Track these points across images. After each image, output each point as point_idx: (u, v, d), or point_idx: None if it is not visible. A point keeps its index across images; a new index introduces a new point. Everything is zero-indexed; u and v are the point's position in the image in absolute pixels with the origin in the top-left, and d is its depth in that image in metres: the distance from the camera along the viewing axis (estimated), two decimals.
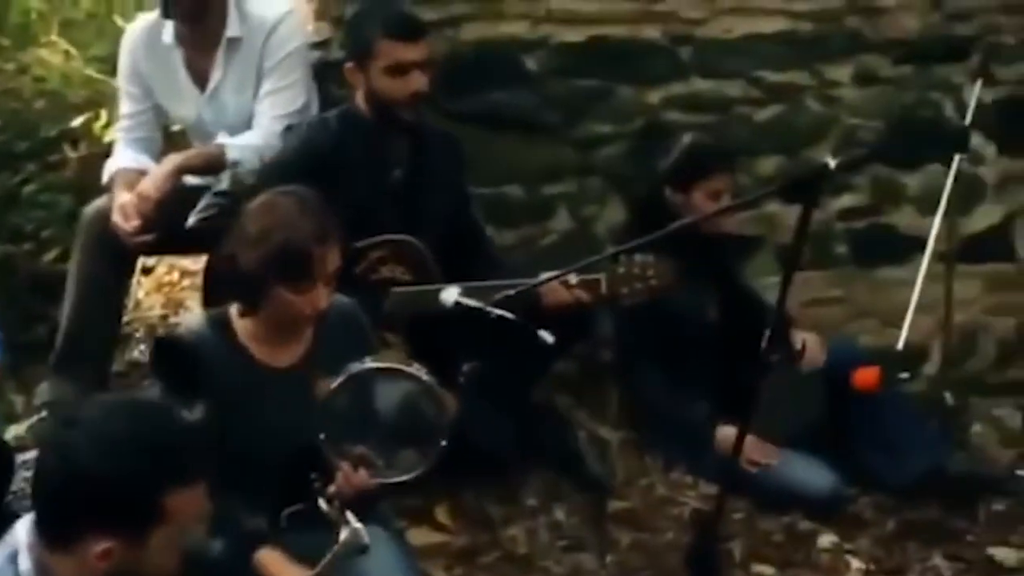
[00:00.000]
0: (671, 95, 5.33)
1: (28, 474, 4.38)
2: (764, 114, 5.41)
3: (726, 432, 4.40)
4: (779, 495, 4.49)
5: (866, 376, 4.56)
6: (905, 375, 4.87)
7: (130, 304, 5.21)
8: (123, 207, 4.54)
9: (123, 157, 4.88)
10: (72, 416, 2.58)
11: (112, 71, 5.96)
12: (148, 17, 4.95)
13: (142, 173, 4.72)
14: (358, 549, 2.99)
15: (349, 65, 4.45)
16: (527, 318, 4.08)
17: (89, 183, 5.60)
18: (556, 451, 4.53)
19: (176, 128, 5.27)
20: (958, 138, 5.05)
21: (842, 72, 5.45)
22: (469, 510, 4.32)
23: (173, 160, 4.72)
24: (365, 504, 3.28)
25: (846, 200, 5.44)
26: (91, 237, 4.68)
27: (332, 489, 3.23)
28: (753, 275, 5.19)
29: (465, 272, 4.33)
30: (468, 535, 4.24)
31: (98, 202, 4.76)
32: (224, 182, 4.31)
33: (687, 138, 4.90)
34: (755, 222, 5.33)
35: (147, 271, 5.60)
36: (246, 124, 4.78)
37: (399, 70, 4.36)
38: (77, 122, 5.82)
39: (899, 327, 4.94)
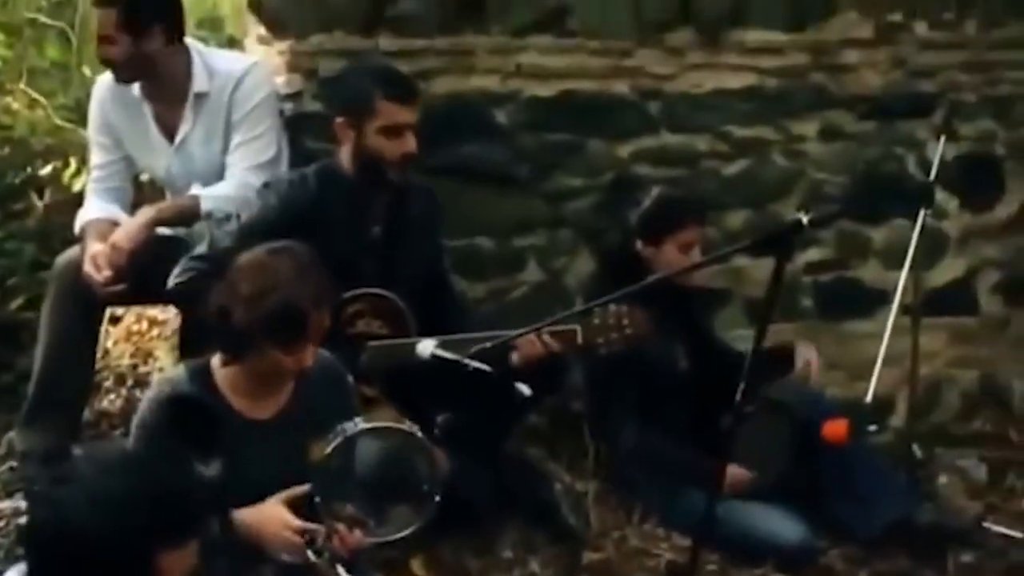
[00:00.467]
0: (640, 149, 5.39)
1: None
2: (732, 168, 5.49)
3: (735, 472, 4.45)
4: (751, 547, 4.51)
5: (835, 428, 4.59)
6: (874, 427, 4.92)
7: (99, 353, 5.18)
8: (95, 257, 4.54)
9: (94, 208, 4.88)
10: (66, 471, 2.59)
11: (79, 120, 6.00)
12: None
13: (114, 224, 4.73)
14: None
15: (340, 121, 4.44)
16: (502, 370, 4.12)
17: (54, 231, 5.63)
18: (531, 502, 4.54)
19: (145, 178, 5.29)
20: (924, 193, 5.13)
21: (808, 127, 5.54)
22: (445, 562, 4.31)
23: (147, 212, 4.72)
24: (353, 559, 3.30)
25: (812, 254, 5.52)
26: (63, 287, 4.68)
27: (321, 542, 3.24)
28: (721, 327, 5.27)
29: (436, 324, 4.36)
30: None
31: (69, 252, 4.76)
32: (202, 246, 4.30)
33: (656, 191, 4.93)
34: (722, 275, 5.38)
35: (115, 320, 5.60)
36: (215, 175, 4.79)
37: (395, 131, 4.37)
38: (45, 170, 5.84)
39: (865, 379, 4.98)
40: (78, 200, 5.49)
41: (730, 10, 5.39)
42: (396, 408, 3.65)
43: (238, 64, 4.86)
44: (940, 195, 5.36)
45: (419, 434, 3.46)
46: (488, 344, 4.21)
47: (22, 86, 6.29)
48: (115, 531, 2.44)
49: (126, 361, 5.53)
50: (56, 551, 2.49)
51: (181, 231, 4.73)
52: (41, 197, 5.84)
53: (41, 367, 4.70)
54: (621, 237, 4.93)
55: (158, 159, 4.91)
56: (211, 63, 4.80)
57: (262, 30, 5.24)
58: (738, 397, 3.74)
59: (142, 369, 5.47)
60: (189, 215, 4.66)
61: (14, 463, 4.80)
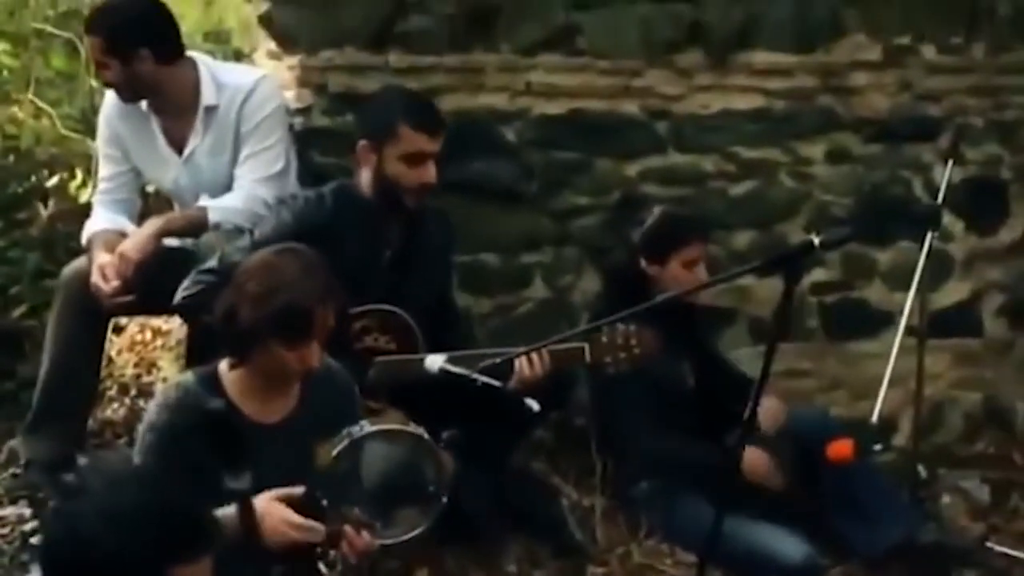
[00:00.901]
0: (648, 168, 5.40)
1: (3, 531, 4.43)
2: (738, 189, 5.50)
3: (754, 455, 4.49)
4: (755, 564, 4.50)
5: (840, 448, 4.60)
6: (879, 447, 4.93)
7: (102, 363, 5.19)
8: (102, 268, 4.55)
9: (102, 219, 4.89)
10: (80, 486, 2.59)
11: (84, 130, 6.01)
12: None
13: (121, 235, 4.74)
14: None
15: (363, 143, 4.44)
16: (510, 386, 4.14)
17: (58, 241, 5.64)
18: (536, 517, 4.55)
19: (151, 189, 5.29)
20: (931, 216, 5.14)
21: (815, 149, 5.55)
22: (449, 574, 4.32)
23: (155, 224, 4.73)
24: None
25: (819, 274, 5.54)
26: (69, 297, 4.69)
27: (333, 553, 3.24)
28: (726, 347, 5.29)
29: (436, 341, 4.37)
30: None
31: (76, 263, 4.78)
32: (212, 260, 4.30)
33: (659, 209, 4.96)
34: (727, 294, 5.40)
35: (119, 330, 5.61)
36: (222, 187, 4.81)
37: (416, 159, 4.39)
38: (52, 181, 5.84)
39: (869, 399, 4.99)
40: (82, 210, 5.52)
41: (739, 32, 5.40)
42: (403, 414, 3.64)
43: (247, 77, 4.87)
44: (946, 218, 5.37)
45: (425, 436, 3.47)
46: (497, 360, 4.22)
47: (29, 96, 6.28)
48: (128, 547, 2.45)
49: (130, 371, 5.54)
50: (70, 566, 2.49)
51: (188, 242, 4.74)
52: (45, 207, 5.84)
53: (46, 376, 4.71)
54: (626, 255, 4.94)
55: (166, 171, 4.92)
56: (219, 76, 4.82)
57: (272, 44, 5.25)
58: (746, 416, 3.76)
59: (145, 379, 5.49)
60: (197, 226, 4.67)
61: (16, 470, 4.80)
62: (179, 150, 4.86)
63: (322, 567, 3.21)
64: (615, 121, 5.37)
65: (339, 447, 3.38)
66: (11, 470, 4.82)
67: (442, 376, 4.17)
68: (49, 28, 6.65)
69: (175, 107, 4.82)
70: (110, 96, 4.94)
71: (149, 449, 3.46)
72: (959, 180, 5.48)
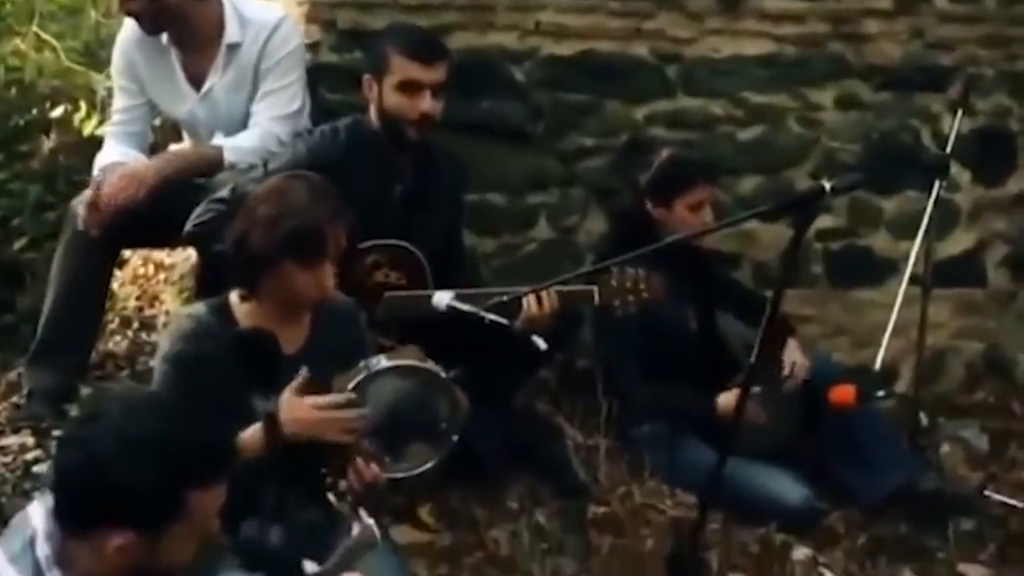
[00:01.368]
0: (656, 111, 5.40)
1: (6, 459, 4.43)
2: (747, 134, 5.50)
3: (727, 398, 4.53)
4: (754, 506, 4.53)
5: (843, 393, 4.61)
6: (881, 394, 4.94)
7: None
8: (110, 192, 4.53)
9: (114, 151, 4.87)
10: (95, 412, 2.60)
11: (88, 63, 5.99)
12: None
13: None
14: (369, 545, 3.00)
15: (367, 76, 4.47)
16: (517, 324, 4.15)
17: (59, 173, 5.63)
18: (540, 456, 4.56)
19: (157, 123, 5.27)
20: (939, 165, 5.15)
21: (824, 96, 5.55)
22: (452, 511, 4.34)
23: (168, 159, 4.75)
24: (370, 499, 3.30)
25: (824, 221, 5.53)
26: (77, 229, 4.67)
27: (344, 485, 3.25)
28: None
29: (446, 284, 4.35)
30: (452, 535, 4.26)
31: (85, 195, 4.75)
32: (224, 190, 4.29)
33: (665, 152, 4.95)
34: (732, 239, 5.40)
35: (121, 263, 5.60)
36: (239, 123, 4.79)
37: (410, 88, 4.38)
38: (56, 113, 5.81)
39: (870, 347, 5.02)
40: (85, 143, 5.51)
41: None
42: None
43: (271, 14, 4.84)
44: (953, 168, 5.37)
45: (442, 374, 3.47)
46: (504, 298, 4.22)
47: (33, 28, 6.25)
48: (144, 472, 2.46)
49: (132, 304, 5.54)
50: (84, 491, 2.50)
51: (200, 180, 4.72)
52: (48, 139, 5.82)
53: (52, 307, 4.70)
54: (632, 197, 4.94)
55: (182, 105, 4.90)
56: (244, 13, 4.79)
57: None
58: (752, 359, 3.77)
59: (148, 312, 5.48)
60: (212, 165, 4.65)
61: (17, 400, 4.80)
62: (197, 85, 4.84)
63: (332, 497, 3.20)
64: (624, 63, 5.36)
65: (357, 379, 3.38)
66: (12, 400, 4.82)
67: (449, 313, 4.17)
68: None
69: (197, 41, 4.79)
70: (128, 27, 4.90)
71: (165, 379, 3.47)
72: (968, 130, 5.49)
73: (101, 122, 5.58)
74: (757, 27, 5.44)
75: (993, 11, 5.63)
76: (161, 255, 5.65)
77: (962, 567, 4.58)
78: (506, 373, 4.36)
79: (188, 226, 4.22)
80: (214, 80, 4.79)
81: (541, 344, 4.06)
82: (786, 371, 4.75)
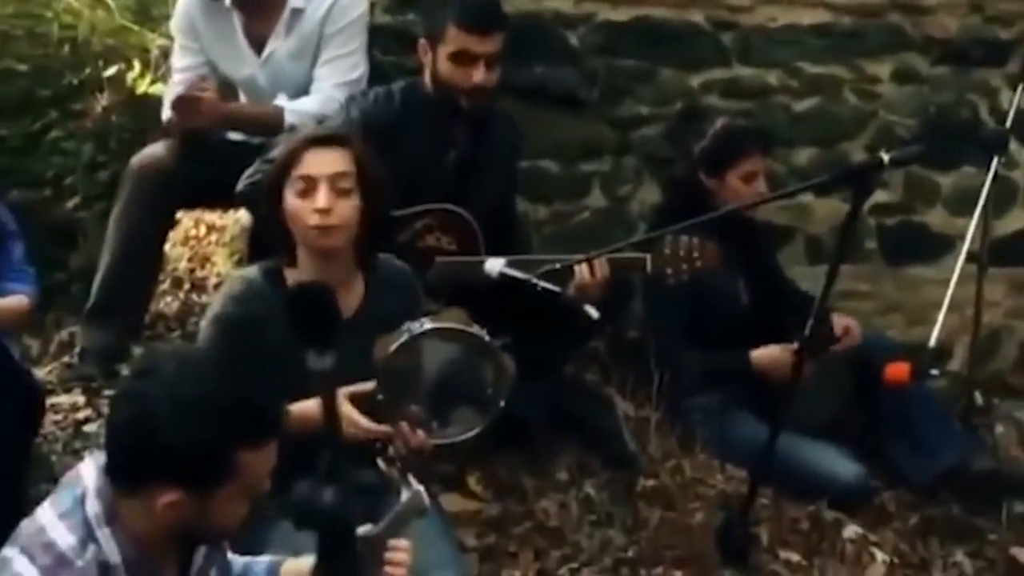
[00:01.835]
0: (712, 80, 5.37)
1: (57, 417, 4.44)
2: (802, 105, 5.46)
3: (764, 354, 4.53)
4: (806, 482, 4.49)
5: (897, 371, 4.54)
6: (935, 372, 4.88)
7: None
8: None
9: None
10: (148, 368, 2.58)
11: (141, 22, 5.97)
12: None
13: None
14: (418, 511, 2.97)
15: (422, 42, 4.41)
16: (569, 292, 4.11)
17: (112, 132, 5.61)
18: (589, 426, 4.53)
19: None
20: (998, 141, 5.07)
21: (881, 68, 5.50)
22: (501, 480, 4.32)
23: (234, 106, 4.76)
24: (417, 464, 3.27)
25: (879, 196, 5.48)
26: (136, 188, 4.67)
27: (392, 451, 3.22)
28: (782, 265, 5.23)
29: (498, 251, 4.32)
30: (500, 504, 4.24)
31: (143, 153, 4.75)
32: (276, 150, 4.26)
33: (720, 121, 4.91)
34: (786, 212, 5.36)
35: (173, 224, 5.58)
36: (300, 88, 4.76)
37: (464, 59, 4.32)
38: (110, 72, 5.80)
39: (924, 324, 4.95)
40: (138, 101, 5.49)
41: None
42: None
43: None
44: (1012, 144, 5.28)
45: (487, 338, 3.42)
46: (557, 265, 4.18)
47: None
48: (195, 430, 2.45)
49: (183, 265, 5.54)
50: (135, 446, 2.49)
51: (255, 139, 4.70)
52: (101, 98, 5.80)
53: (108, 267, 4.70)
54: (685, 167, 4.89)
55: (242, 69, 4.88)
56: None
57: None
58: (807, 333, 3.74)
59: (199, 273, 5.49)
60: (272, 124, 4.63)
61: (69, 359, 4.80)
62: (258, 48, 4.81)
63: (381, 463, 3.18)
64: (680, 30, 5.33)
65: (398, 342, 3.34)
66: (64, 359, 4.82)
67: (501, 279, 4.13)
68: None
69: (260, 5, 4.77)
70: None
71: (211, 340, 3.44)
72: None
73: (154, 81, 5.56)
74: None
75: None
76: (213, 217, 5.65)
77: (1014, 550, 4.53)
78: (556, 342, 4.33)
79: (240, 185, 4.20)
80: (276, 45, 4.77)
81: (593, 313, 4.02)
82: (838, 333, 4.69)
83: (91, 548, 2.49)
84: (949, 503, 4.69)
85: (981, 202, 4.98)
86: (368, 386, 3.33)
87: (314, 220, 3.39)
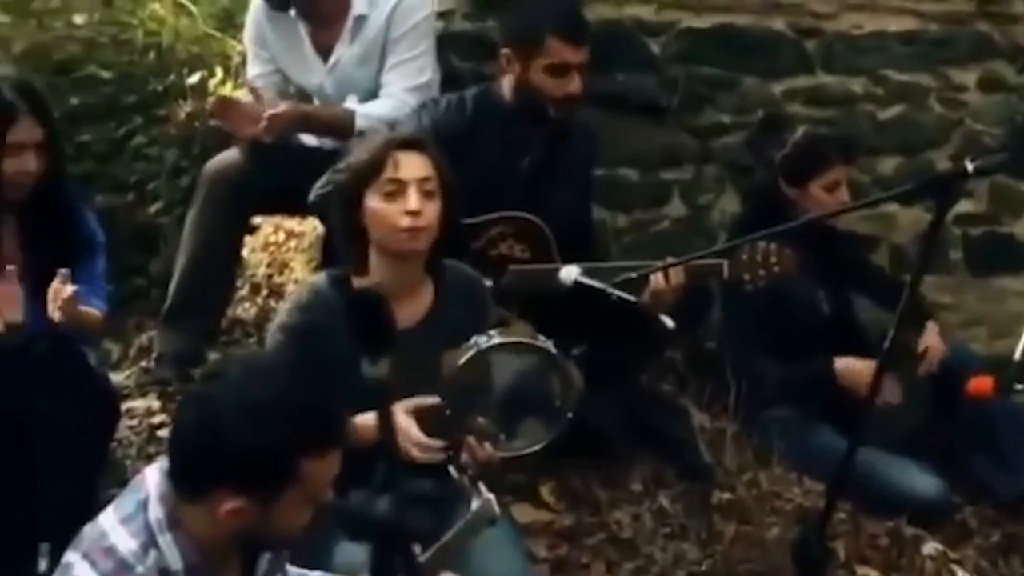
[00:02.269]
0: (794, 88, 5.32)
1: (132, 422, 4.46)
2: (887, 113, 5.40)
3: (848, 364, 4.45)
4: (885, 497, 4.42)
5: (981, 384, 4.46)
6: (1020, 386, 4.77)
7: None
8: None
9: None
10: (216, 373, 2.58)
11: (225, 29, 6.01)
12: None
13: None
14: (488, 520, 2.95)
15: (506, 51, 4.38)
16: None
17: (195, 139, 5.65)
18: (664, 437, 4.49)
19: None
20: None
21: (968, 76, 5.43)
22: (574, 491, 4.29)
23: (306, 107, 4.79)
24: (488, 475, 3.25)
25: (964, 206, 5.39)
26: (211, 192, 4.68)
27: (465, 457, 3.20)
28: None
29: (572, 259, 4.28)
30: (572, 515, 4.21)
31: (219, 158, 4.76)
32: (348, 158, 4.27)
33: (802, 130, 4.84)
34: (870, 221, 5.29)
35: (252, 230, 5.61)
36: (367, 95, 4.76)
37: (561, 70, 4.30)
38: (192, 79, 5.84)
39: (1009, 338, 4.85)
40: None
41: None
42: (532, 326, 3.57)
43: None
44: None
45: (553, 350, 3.40)
46: (633, 274, 4.14)
47: None
48: (259, 436, 2.44)
49: (262, 271, 5.55)
50: (199, 450, 2.49)
51: (328, 143, 4.70)
52: (184, 104, 5.84)
53: (184, 270, 4.71)
54: (766, 176, 4.83)
55: (311, 77, 4.90)
56: None
57: None
58: (886, 346, 3.67)
59: (277, 279, 5.49)
60: (343, 126, 4.63)
61: (147, 364, 4.83)
62: (325, 57, 4.83)
63: (452, 470, 3.16)
64: (763, 37, 5.28)
65: (465, 356, 3.33)
66: (142, 363, 4.85)
67: (576, 288, 4.09)
68: None
69: (324, 14, 4.78)
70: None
71: (277, 347, 3.46)
72: None
73: (236, 88, 5.59)
74: (900, 3, 5.33)
75: None
76: (292, 223, 5.65)
77: None
78: (631, 351, 4.29)
79: (312, 194, 4.20)
80: (341, 52, 4.78)
81: (669, 323, 3.97)
82: (920, 351, 4.61)
83: (152, 554, 2.49)
84: None
85: None
86: (433, 400, 3.31)
87: (405, 222, 3.38)
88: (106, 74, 5.92)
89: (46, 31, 6.11)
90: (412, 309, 3.53)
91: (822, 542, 3.94)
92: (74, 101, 5.71)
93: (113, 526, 2.52)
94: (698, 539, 4.20)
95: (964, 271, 5.49)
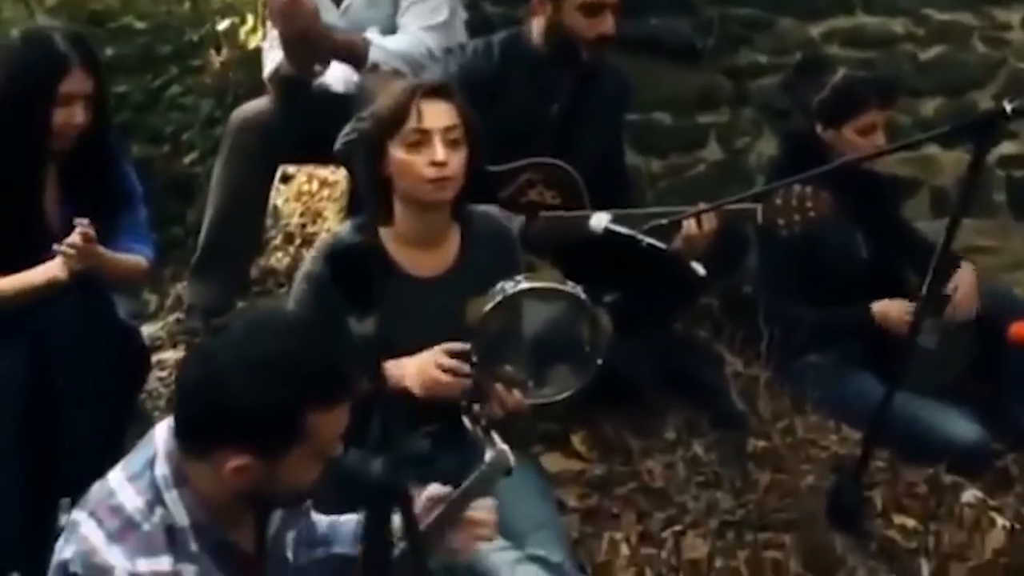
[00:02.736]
0: (833, 29, 5.28)
1: (162, 374, 4.45)
2: (928, 53, 5.35)
3: (885, 306, 4.40)
4: (924, 443, 4.32)
5: (1022, 329, 4.39)
6: None
7: (269, 211, 5.18)
8: None
9: (278, 53, 4.81)
10: (221, 328, 2.54)
11: None
12: None
13: None
14: (504, 471, 2.91)
15: None
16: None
17: (229, 87, 5.62)
18: (698, 385, 4.44)
19: None
20: None
21: (1012, 15, 5.38)
22: (606, 440, 4.24)
23: (325, 27, 4.62)
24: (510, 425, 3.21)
25: (1008, 147, 5.31)
26: (237, 143, 4.64)
27: (477, 408, 3.16)
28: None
29: (604, 205, 4.23)
30: (604, 464, 4.16)
31: (245, 107, 4.73)
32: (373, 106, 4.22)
33: (840, 73, 4.75)
34: (911, 164, 5.21)
35: (286, 179, 5.59)
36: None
37: (594, 9, 4.24)
38: (223, 25, 5.81)
39: None
40: (253, 57, 5.47)
41: None
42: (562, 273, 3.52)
43: None
44: None
45: (582, 295, 3.35)
46: (664, 220, 4.08)
47: None
48: (263, 391, 2.40)
49: (295, 220, 5.54)
50: (202, 407, 2.46)
51: (352, 87, 4.64)
52: (219, 53, 5.82)
53: (212, 221, 4.69)
54: (803, 119, 4.77)
55: (326, 18, 4.81)
56: None
57: None
58: (924, 291, 3.61)
59: (310, 229, 5.48)
60: (356, 54, 4.53)
61: (179, 315, 4.82)
62: (337, 1, 4.76)
63: (466, 421, 3.12)
64: None
65: (491, 303, 3.29)
66: (176, 315, 4.84)
67: (606, 235, 4.05)
68: None
69: None
70: None
71: (301, 297, 3.43)
72: None
73: (265, 36, 5.55)
74: None
75: None
76: (325, 172, 5.64)
77: None
78: (663, 298, 4.23)
79: (337, 143, 4.16)
80: None
81: (700, 271, 3.93)
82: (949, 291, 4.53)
83: (158, 511, 2.46)
84: None
85: None
86: (463, 346, 3.27)
87: (430, 173, 3.35)
88: (141, 24, 5.91)
89: None
90: (439, 258, 3.50)
91: (858, 491, 3.93)
92: (109, 52, 5.68)
93: (120, 483, 2.49)
94: (732, 488, 4.14)
95: (1008, 214, 5.44)
